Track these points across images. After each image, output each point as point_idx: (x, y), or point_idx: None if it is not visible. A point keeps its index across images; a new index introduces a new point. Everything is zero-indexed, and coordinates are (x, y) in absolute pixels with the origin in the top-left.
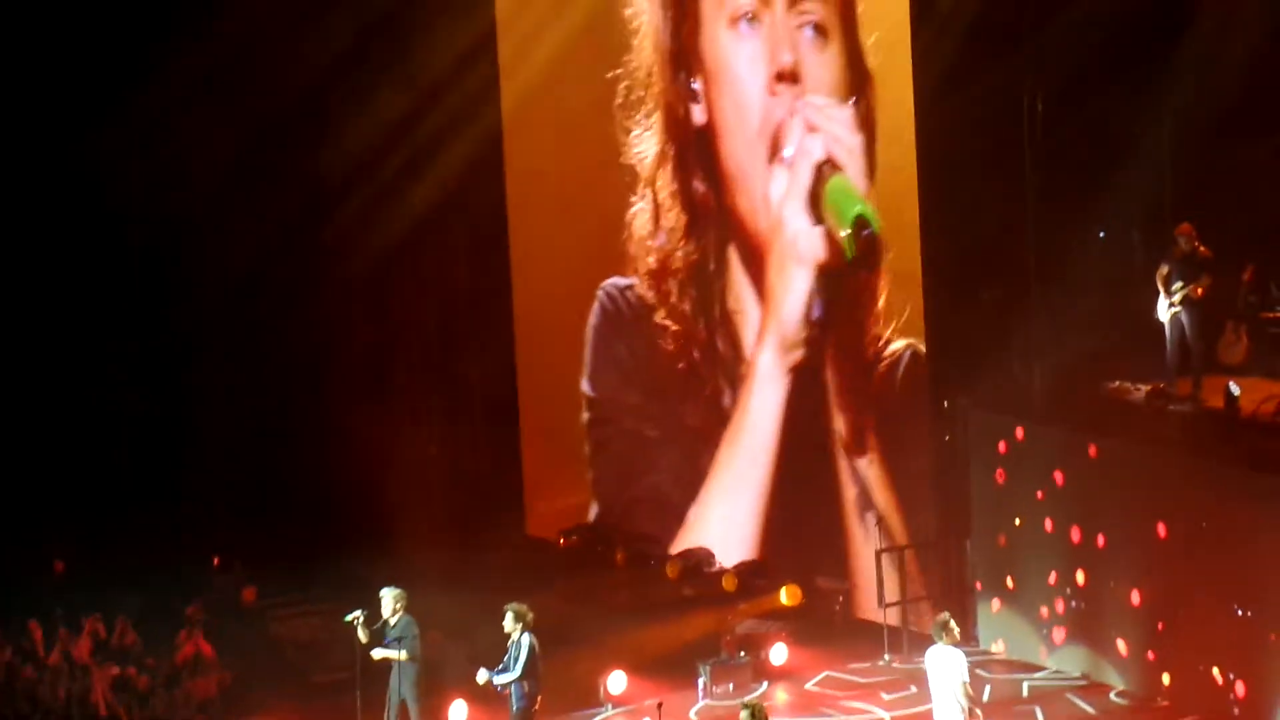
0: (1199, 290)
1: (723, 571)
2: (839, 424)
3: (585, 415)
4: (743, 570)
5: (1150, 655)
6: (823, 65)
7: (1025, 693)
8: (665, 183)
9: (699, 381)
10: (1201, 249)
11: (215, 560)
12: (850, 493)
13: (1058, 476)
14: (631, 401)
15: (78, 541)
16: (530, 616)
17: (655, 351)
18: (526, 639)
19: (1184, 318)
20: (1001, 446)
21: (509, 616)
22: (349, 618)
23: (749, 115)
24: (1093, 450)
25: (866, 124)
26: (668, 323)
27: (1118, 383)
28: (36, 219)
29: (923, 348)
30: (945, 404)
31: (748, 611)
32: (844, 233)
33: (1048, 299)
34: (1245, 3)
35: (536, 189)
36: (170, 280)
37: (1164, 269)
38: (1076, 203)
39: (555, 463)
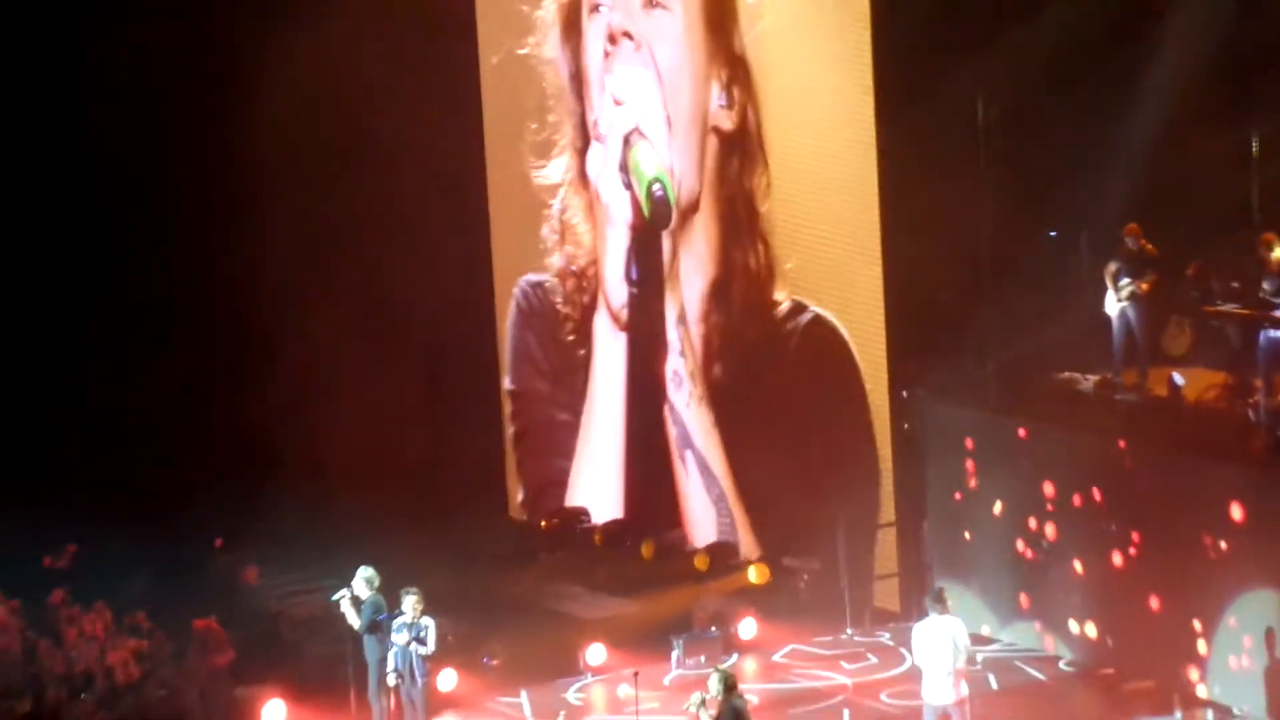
0: (1145, 286)
1: (694, 552)
2: (691, 378)
3: (508, 408)
4: (669, 541)
5: (1096, 628)
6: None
7: (980, 661)
8: (570, 189)
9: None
10: (1148, 247)
11: (218, 542)
12: (678, 438)
13: (1009, 462)
14: (542, 390)
15: (90, 525)
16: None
17: (559, 341)
18: (430, 619)
19: (1130, 312)
20: (957, 447)
21: (412, 599)
22: (335, 597)
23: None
24: (1023, 433)
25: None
26: (568, 311)
27: (1067, 374)
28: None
29: (826, 313)
30: (904, 394)
31: (718, 589)
32: (642, 195)
33: (1001, 296)
34: (1188, 17)
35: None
36: (158, 259)
37: (1112, 266)
38: (1028, 205)
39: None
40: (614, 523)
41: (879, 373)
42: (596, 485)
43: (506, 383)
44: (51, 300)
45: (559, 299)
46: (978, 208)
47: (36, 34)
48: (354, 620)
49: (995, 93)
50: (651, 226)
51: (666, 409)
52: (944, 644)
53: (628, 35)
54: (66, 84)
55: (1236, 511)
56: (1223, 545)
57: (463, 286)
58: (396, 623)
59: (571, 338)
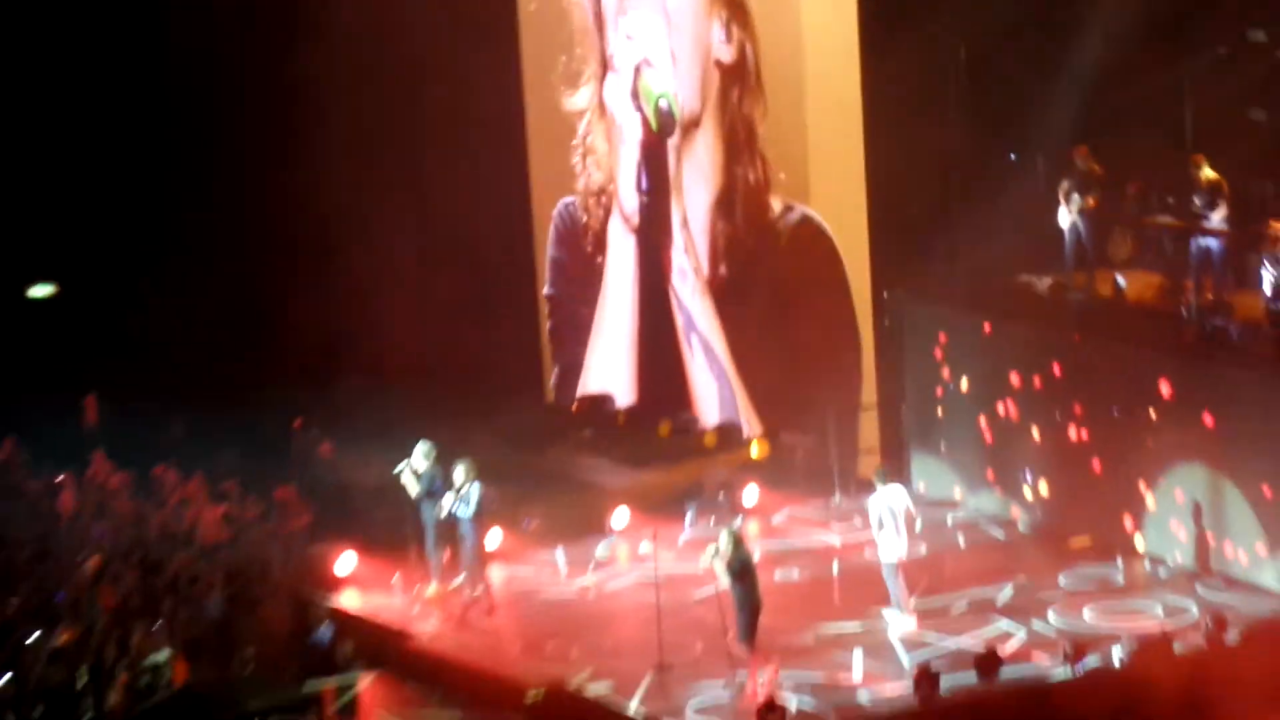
0: (1092, 201)
1: (704, 430)
2: (695, 273)
3: (544, 310)
4: (682, 422)
5: (1048, 492)
6: None
7: (950, 523)
8: (593, 121)
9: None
10: (1095, 168)
11: (297, 422)
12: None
13: (975, 352)
14: (572, 294)
15: (189, 409)
16: (476, 469)
17: (583, 251)
18: (477, 486)
19: (1080, 223)
20: (931, 340)
21: (462, 468)
22: (397, 469)
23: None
24: (987, 328)
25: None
26: (589, 223)
27: (1026, 276)
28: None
29: (812, 213)
30: (885, 295)
31: (725, 462)
32: (650, 110)
33: (969, 209)
34: None
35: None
36: (244, 180)
37: (1064, 184)
38: (992, 132)
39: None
40: (635, 406)
41: (862, 275)
42: (614, 373)
43: (545, 289)
44: (161, 218)
45: (585, 215)
46: (949, 132)
47: None
48: (413, 488)
49: (965, 34)
50: (659, 136)
51: (673, 299)
52: (889, 510)
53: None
54: (162, 26)
55: (1165, 389)
56: (1153, 415)
57: (504, 204)
58: (450, 489)
59: (590, 247)
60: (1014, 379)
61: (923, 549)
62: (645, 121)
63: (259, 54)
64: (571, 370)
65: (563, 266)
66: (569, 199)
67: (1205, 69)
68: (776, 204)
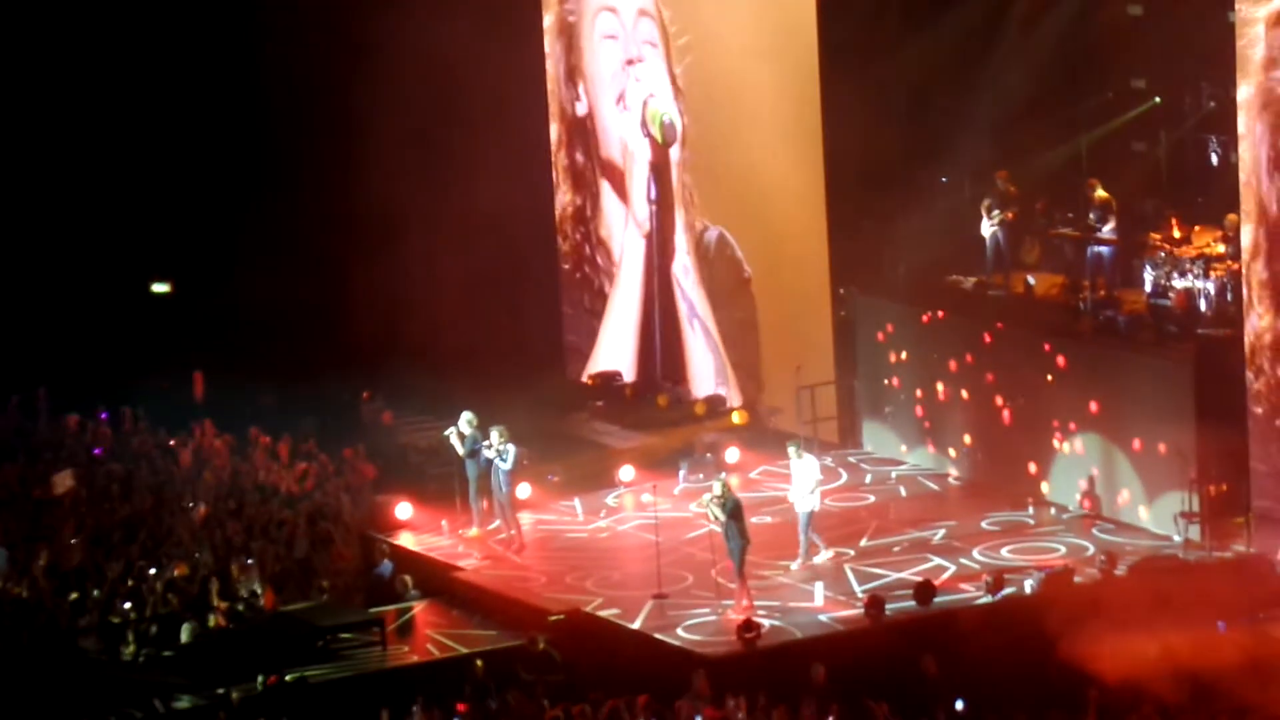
0: (1009, 215)
1: (695, 400)
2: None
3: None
4: (677, 395)
5: (973, 452)
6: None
7: (893, 477)
8: (559, 158)
9: (585, 280)
10: (1012, 189)
11: (365, 394)
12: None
13: (914, 338)
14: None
15: (276, 381)
16: (508, 434)
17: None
18: (511, 447)
19: (999, 234)
20: (878, 328)
21: (497, 432)
22: (446, 433)
23: (610, 94)
24: (925, 318)
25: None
26: (566, 249)
27: (955, 276)
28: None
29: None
30: (840, 291)
31: (712, 427)
32: (657, 126)
33: (909, 221)
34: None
35: None
36: (322, 150)
37: (986, 201)
38: (930, 158)
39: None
40: (638, 382)
41: (823, 275)
42: (621, 354)
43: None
44: (252, 223)
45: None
46: (892, 157)
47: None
48: (459, 449)
49: (905, 77)
50: (664, 147)
51: (677, 291)
52: (810, 474)
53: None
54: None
55: (1066, 367)
56: (1056, 388)
57: (530, 205)
58: (488, 449)
59: (568, 266)
60: (946, 359)
61: (871, 498)
62: (654, 144)
63: (325, 77)
64: (587, 351)
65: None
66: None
67: (1097, 109)
68: (698, 224)
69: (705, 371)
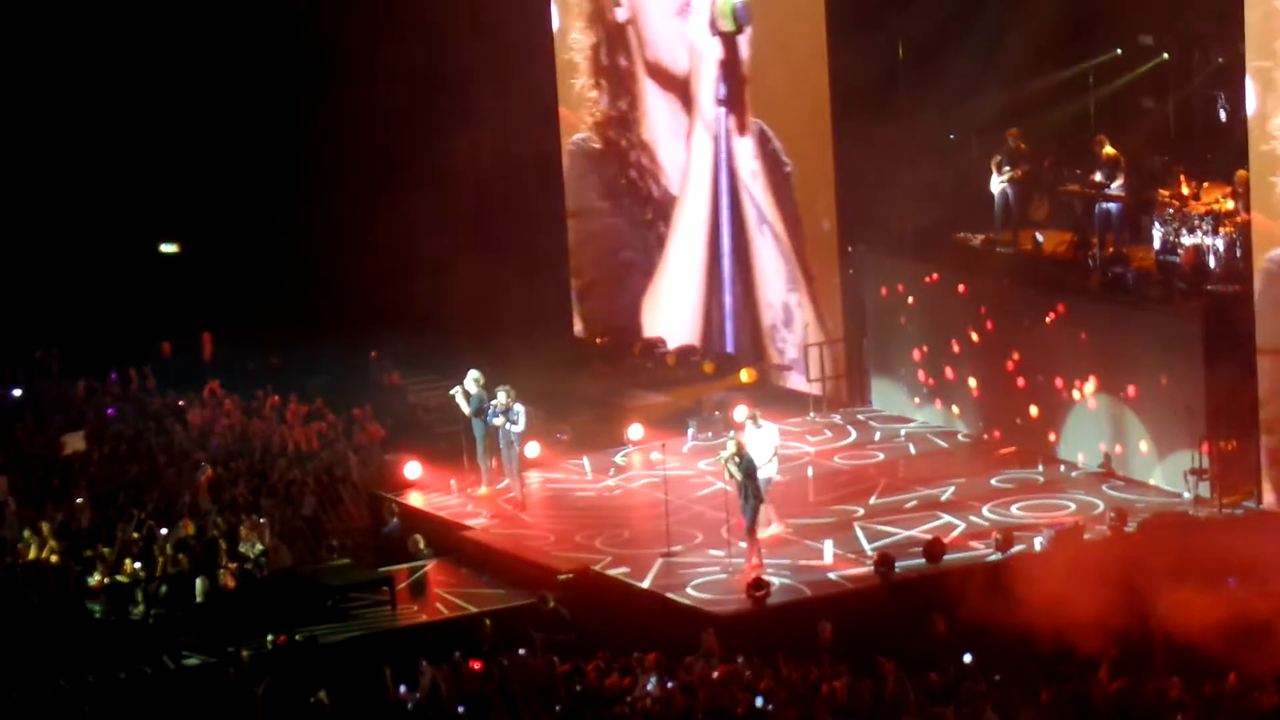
0: (1018, 172)
1: (703, 359)
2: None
3: (569, 223)
4: (684, 352)
5: (983, 409)
6: None
7: (902, 435)
8: (595, 64)
9: (634, 186)
10: (1023, 146)
11: (373, 354)
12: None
13: (920, 296)
14: (600, 206)
15: (285, 342)
16: (514, 393)
17: (605, 172)
18: (521, 406)
19: (1008, 190)
20: (887, 286)
21: (503, 392)
22: (451, 392)
23: (667, 9)
24: (935, 276)
25: None
26: (607, 152)
27: (963, 234)
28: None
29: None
30: (849, 249)
31: (720, 386)
32: (728, 16)
33: (917, 178)
34: None
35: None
36: (340, 140)
37: (996, 158)
38: (936, 117)
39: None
40: (655, 339)
41: (831, 234)
42: (691, 272)
43: (569, 208)
44: (264, 189)
45: (602, 145)
46: (900, 116)
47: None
48: (465, 407)
49: (911, 35)
50: (736, 32)
51: (744, 194)
52: (762, 444)
53: None
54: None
55: (1076, 325)
56: (1065, 345)
57: (538, 156)
58: (495, 407)
59: (613, 169)
60: (955, 318)
61: (880, 456)
62: (724, 40)
63: (334, 31)
64: (644, 267)
65: (588, 184)
66: (580, 135)
67: (1106, 66)
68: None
69: (776, 279)
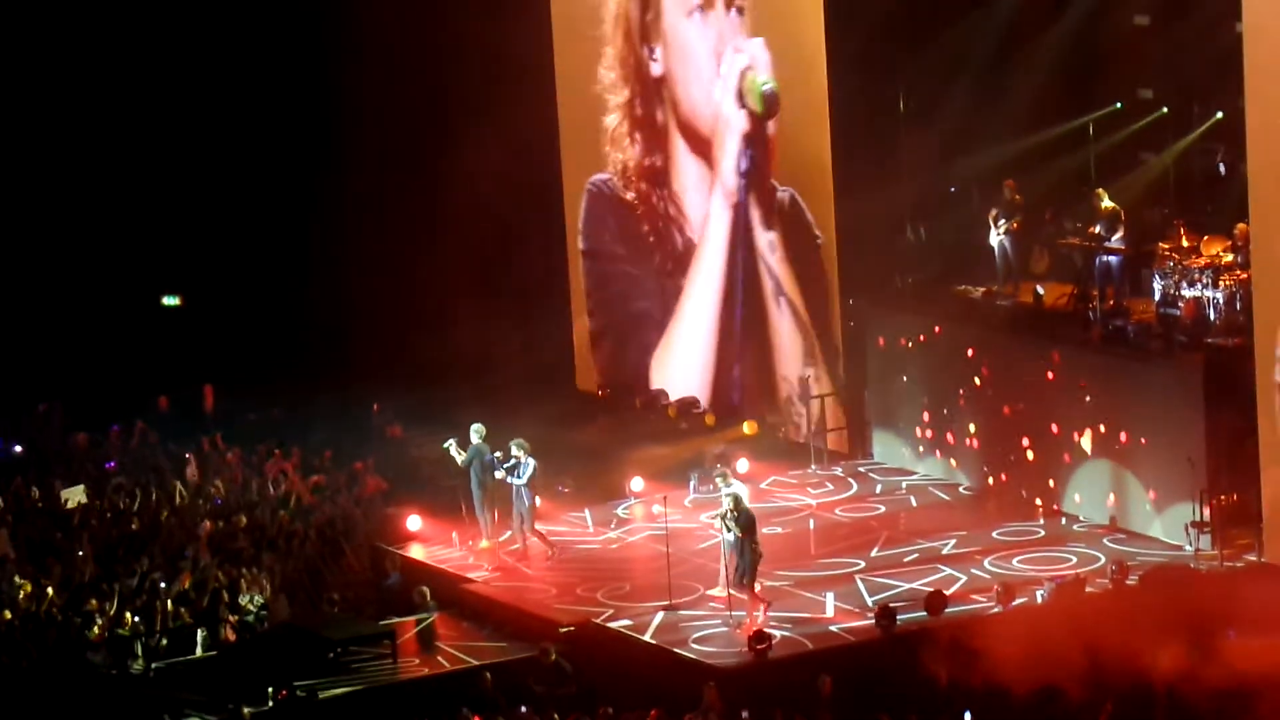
0: (1015, 225)
1: (705, 411)
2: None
3: (582, 263)
4: (686, 404)
5: (984, 461)
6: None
7: (904, 488)
8: (630, 114)
9: (659, 237)
10: (1018, 197)
11: (375, 407)
12: (777, 335)
13: (922, 348)
14: (617, 251)
15: (287, 396)
16: (528, 447)
17: (628, 221)
18: (531, 460)
19: (1007, 243)
20: (887, 338)
21: (515, 445)
22: (445, 445)
23: (701, 70)
24: (937, 329)
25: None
26: (636, 202)
27: (964, 286)
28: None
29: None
30: (850, 301)
31: (722, 438)
32: (757, 97)
33: (918, 233)
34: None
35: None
36: (337, 181)
37: (994, 211)
38: (937, 171)
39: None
40: (659, 391)
41: (832, 286)
42: (702, 339)
43: (580, 244)
44: (263, 244)
45: (629, 193)
46: (900, 170)
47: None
48: (458, 459)
49: (911, 88)
50: (765, 118)
51: (762, 265)
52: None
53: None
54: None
55: (1076, 377)
56: (1066, 398)
57: (541, 209)
58: (497, 459)
59: (639, 213)
60: (956, 370)
61: (881, 509)
62: (751, 116)
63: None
64: (659, 319)
65: (607, 228)
66: (601, 176)
67: (1105, 119)
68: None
69: (794, 353)
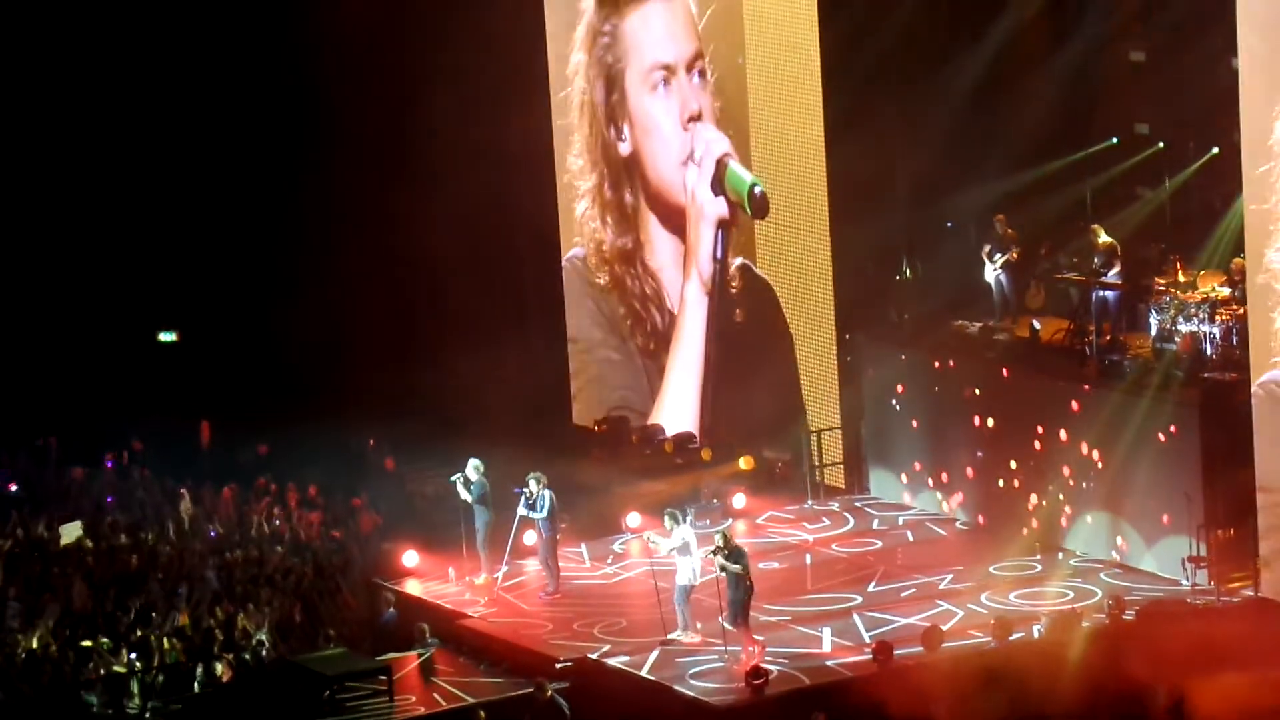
0: (1015, 256)
1: (701, 446)
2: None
3: (569, 348)
4: (682, 439)
5: (981, 496)
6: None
7: (900, 522)
8: (600, 196)
9: (638, 319)
10: (1009, 231)
11: (370, 442)
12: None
13: (921, 384)
14: (597, 336)
15: (282, 432)
16: (545, 479)
17: (605, 303)
18: (548, 493)
19: (1002, 278)
20: (884, 373)
21: (533, 479)
22: (452, 479)
23: (669, 143)
24: (935, 364)
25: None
26: (609, 286)
27: (960, 322)
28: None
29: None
30: (847, 337)
31: (718, 474)
32: (744, 196)
33: (915, 270)
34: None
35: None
36: (336, 217)
37: (987, 246)
38: (933, 209)
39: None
40: (654, 426)
41: (829, 322)
42: (687, 413)
43: (569, 332)
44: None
45: (601, 274)
46: (896, 206)
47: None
48: (465, 495)
49: (907, 127)
50: (755, 217)
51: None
52: (685, 545)
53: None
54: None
55: (1072, 411)
56: (1063, 432)
57: (535, 252)
58: (526, 496)
59: (615, 298)
60: (953, 405)
61: (878, 544)
62: (730, 205)
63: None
64: (638, 408)
65: (587, 312)
66: (578, 253)
67: (1101, 154)
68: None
69: (789, 388)
